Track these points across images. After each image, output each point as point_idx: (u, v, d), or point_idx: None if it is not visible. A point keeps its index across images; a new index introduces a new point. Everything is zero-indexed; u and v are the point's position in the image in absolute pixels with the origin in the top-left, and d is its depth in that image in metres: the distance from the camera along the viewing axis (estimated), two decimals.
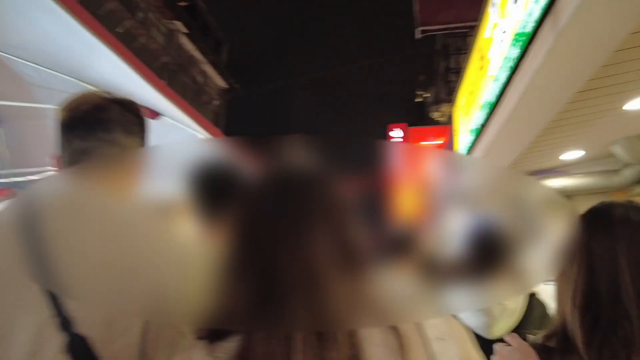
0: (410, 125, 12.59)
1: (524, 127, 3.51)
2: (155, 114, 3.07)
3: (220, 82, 16.60)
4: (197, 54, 14.88)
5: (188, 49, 14.47)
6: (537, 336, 0.89)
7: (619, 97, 3.35)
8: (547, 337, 0.83)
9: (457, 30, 9.39)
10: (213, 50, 15.97)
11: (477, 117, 4.49)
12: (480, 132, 4.34)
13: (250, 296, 0.42)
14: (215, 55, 16.17)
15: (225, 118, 16.20)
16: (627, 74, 3.00)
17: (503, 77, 3.45)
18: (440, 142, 11.96)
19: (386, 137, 12.78)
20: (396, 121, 12.49)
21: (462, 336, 0.65)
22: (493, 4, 3.72)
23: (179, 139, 3.03)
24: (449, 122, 7.13)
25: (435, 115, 6.73)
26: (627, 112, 3.59)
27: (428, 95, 15.83)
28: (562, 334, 0.80)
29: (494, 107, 3.77)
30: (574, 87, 2.93)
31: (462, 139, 5.48)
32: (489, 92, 3.91)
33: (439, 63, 13.37)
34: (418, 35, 9.07)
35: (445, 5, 8.59)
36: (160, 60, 11.92)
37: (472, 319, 1.23)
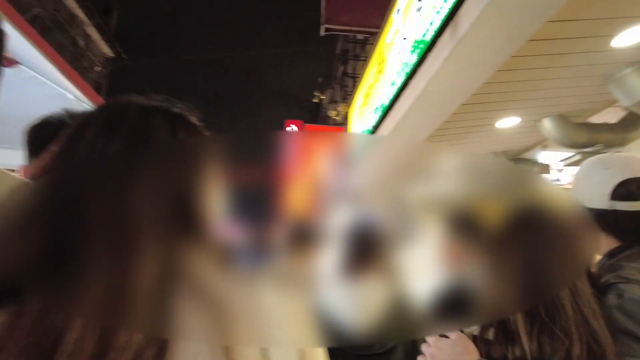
0: (306, 123, 12.86)
1: (413, 132, 3.70)
2: (11, 62, 2.53)
3: (105, 49, 15.03)
4: (80, 14, 13.26)
5: (70, 6, 12.80)
6: (472, 328, 0.89)
7: (493, 115, 3.73)
8: (484, 329, 0.84)
9: (359, 33, 9.73)
10: (101, 13, 14.40)
11: (370, 119, 4.64)
12: (372, 133, 4.49)
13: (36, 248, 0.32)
14: (103, 18, 14.60)
15: (107, 89, 14.67)
16: (502, 94, 3.34)
17: (399, 82, 3.60)
18: None
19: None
20: (293, 118, 12.61)
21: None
22: (397, 11, 3.87)
23: (40, 95, 2.54)
24: (344, 122, 7.33)
25: (332, 113, 6.88)
26: (498, 129, 4.01)
27: (324, 97, 16.34)
28: (500, 326, 0.80)
29: (387, 110, 3.91)
30: (461, 98, 3.16)
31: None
32: (385, 95, 4.05)
33: (337, 67, 13.83)
34: (322, 32, 9.21)
35: (352, 7, 8.86)
36: (32, 12, 10.31)
37: None
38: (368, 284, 0.39)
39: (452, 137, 4.14)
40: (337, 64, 13.64)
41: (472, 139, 4.27)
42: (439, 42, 2.77)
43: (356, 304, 0.39)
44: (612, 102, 3.53)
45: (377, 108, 4.35)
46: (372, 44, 5.36)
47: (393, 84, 3.80)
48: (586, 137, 3.73)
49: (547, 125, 3.79)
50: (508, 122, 3.85)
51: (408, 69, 3.37)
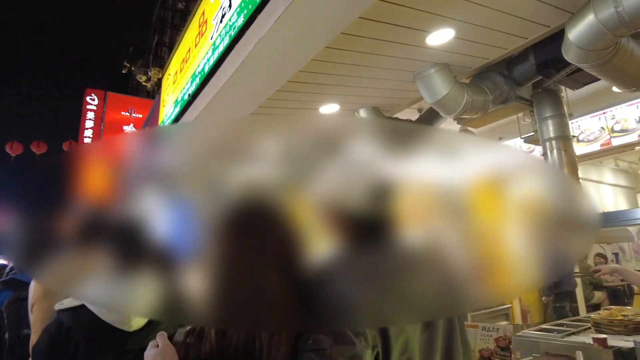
0: (113, 91, 11.20)
1: (235, 103, 3.34)
2: None
3: None
4: None
5: None
6: (180, 333, 1.04)
7: (316, 98, 3.67)
8: (188, 334, 0.97)
9: None
10: None
11: (187, 87, 4.09)
12: (188, 103, 3.95)
13: None
14: None
15: None
16: (325, 76, 3.28)
17: (222, 46, 3.19)
18: (139, 115, 11.05)
19: (82, 101, 11.00)
20: (98, 86, 10.85)
21: None
22: None
23: None
24: (155, 90, 6.48)
25: (142, 78, 5.96)
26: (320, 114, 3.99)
27: (135, 67, 14.59)
28: (198, 330, 0.94)
29: (207, 77, 3.46)
30: (287, 72, 2.94)
31: (167, 110, 4.98)
32: (205, 60, 3.58)
33: (152, 36, 12.44)
34: None
35: None
36: None
37: (106, 314, 1.18)
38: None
39: (280, 114, 3.95)
40: (152, 32, 12.25)
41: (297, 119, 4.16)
42: (269, 4, 2.48)
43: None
44: (419, 99, 3.87)
45: (195, 74, 3.83)
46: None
47: (215, 48, 3.36)
48: None
49: (363, 115, 3.94)
50: (329, 109, 3.87)
51: (233, 32, 2.99)
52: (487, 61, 3.31)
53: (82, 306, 1.17)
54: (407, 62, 3.18)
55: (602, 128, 5.14)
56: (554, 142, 3.35)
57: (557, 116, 3.38)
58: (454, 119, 4.41)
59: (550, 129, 3.39)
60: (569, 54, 2.64)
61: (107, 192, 0.40)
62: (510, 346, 1.23)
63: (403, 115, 4.27)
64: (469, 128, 5.17)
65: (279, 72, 2.88)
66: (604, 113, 5.16)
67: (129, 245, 0.38)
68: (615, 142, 5.03)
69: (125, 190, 0.40)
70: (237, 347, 0.88)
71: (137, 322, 1.20)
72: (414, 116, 4.56)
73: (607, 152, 5.14)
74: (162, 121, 5.20)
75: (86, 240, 0.38)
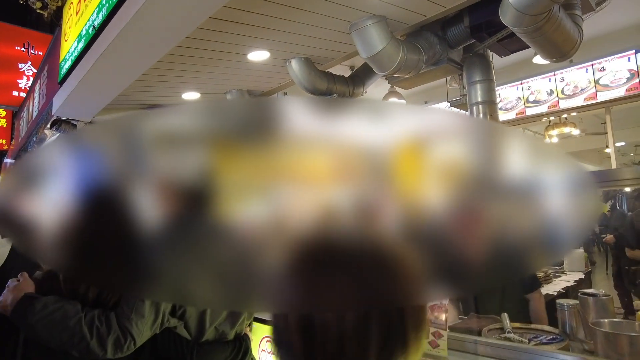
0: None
1: (152, 38, 2.92)
2: None
3: None
4: None
5: None
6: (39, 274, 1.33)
7: (245, 42, 3.35)
8: (45, 274, 1.30)
9: None
10: None
11: (93, 17, 3.51)
12: (94, 36, 3.40)
13: None
14: None
15: None
16: (255, 17, 2.97)
17: None
18: (39, 52, 9.67)
19: None
20: None
21: None
22: None
23: None
24: (55, 21, 5.60)
25: (37, 5, 5.03)
26: (250, 62, 3.68)
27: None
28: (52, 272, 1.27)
29: (117, 4, 2.96)
30: (211, 4, 2.58)
31: (69, 46, 4.29)
32: None
33: None
34: None
35: None
36: None
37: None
38: None
39: (200, 61, 3.56)
40: None
41: (223, 69, 3.81)
42: None
43: None
44: (353, 54, 3.70)
45: (102, 2, 3.28)
46: None
47: None
48: (325, 85, 3.85)
49: (295, 66, 3.70)
50: (259, 56, 3.56)
51: None
52: (424, 18, 3.22)
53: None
54: (344, 10, 2.97)
55: (519, 98, 5.40)
56: (480, 106, 3.41)
57: (486, 81, 3.43)
58: (386, 78, 4.33)
59: (478, 94, 3.44)
60: (506, 16, 2.62)
61: None
62: (444, 314, 1.18)
63: (335, 71, 4.10)
64: (397, 89, 5.16)
65: (200, 2, 2.51)
66: (521, 83, 5.41)
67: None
68: (529, 112, 5.32)
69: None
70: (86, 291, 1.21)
71: None
72: (346, 73, 4.41)
73: (522, 121, 5.43)
74: (64, 59, 4.50)
75: None
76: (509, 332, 1.46)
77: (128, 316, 1.15)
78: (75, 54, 3.96)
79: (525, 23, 2.60)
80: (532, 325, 1.57)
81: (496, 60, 3.77)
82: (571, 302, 1.47)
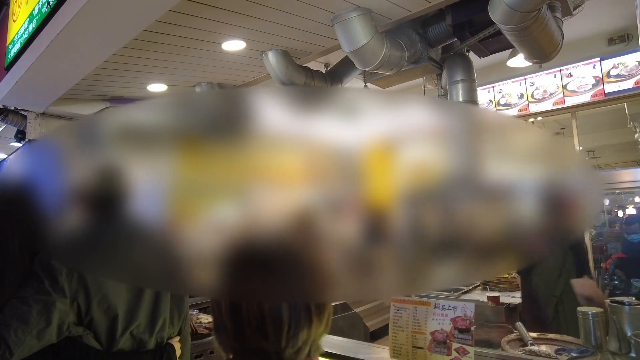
0: None
1: (117, 18, 2.63)
2: None
3: None
4: None
5: None
6: None
7: (219, 29, 3.12)
8: None
9: None
10: None
11: None
12: (48, 15, 3.05)
13: None
14: None
15: None
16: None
17: None
18: None
19: None
20: None
21: None
22: None
23: None
24: (0, 3, 5.08)
25: None
26: (225, 52, 3.45)
27: None
28: None
29: None
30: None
31: (19, 26, 3.87)
32: None
33: None
34: None
35: None
36: None
37: None
38: None
39: (169, 48, 3.29)
40: None
41: (195, 59, 3.54)
42: None
43: None
44: (332, 49, 3.55)
45: None
46: None
47: None
48: (303, 80, 3.68)
49: (272, 59, 3.50)
50: (234, 45, 3.34)
51: None
52: (409, 14, 3.12)
53: None
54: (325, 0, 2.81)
55: (491, 100, 5.46)
56: None
57: (467, 80, 3.38)
58: (364, 77, 4.22)
59: (460, 93, 3.38)
60: (496, 13, 2.55)
61: None
62: (472, 328, 1.04)
63: (311, 67, 3.94)
64: (372, 88, 5.07)
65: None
66: (492, 87, 5.47)
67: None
68: None
69: None
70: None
71: None
72: (321, 70, 4.26)
73: None
74: (11, 42, 4.06)
75: None
76: (530, 344, 1.36)
77: (7, 322, 1.02)
78: (26, 35, 3.57)
79: (515, 21, 2.55)
80: (551, 335, 1.47)
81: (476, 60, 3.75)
82: (594, 309, 1.39)
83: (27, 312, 1.05)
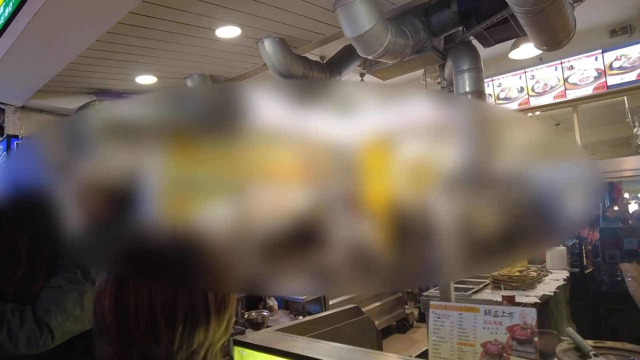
0: None
1: (90, 13, 2.41)
2: None
3: None
4: None
5: None
6: None
7: (213, 13, 2.91)
8: None
9: None
10: None
11: None
12: (18, 7, 2.81)
13: None
14: None
15: None
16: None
17: None
18: None
19: None
20: None
21: None
22: None
23: None
24: None
25: None
26: (219, 39, 3.23)
27: None
28: None
29: None
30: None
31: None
32: None
33: None
34: None
35: None
36: None
37: None
38: None
39: (159, 35, 3.06)
40: None
41: (187, 47, 3.32)
42: None
43: None
44: (330, 38, 3.37)
45: None
46: None
47: None
48: (302, 71, 3.48)
49: (268, 47, 3.30)
50: (228, 32, 3.12)
51: None
52: None
53: None
54: None
55: (490, 94, 5.33)
56: (469, 96, 3.20)
57: (474, 69, 3.22)
58: (363, 67, 4.05)
59: (466, 83, 3.22)
60: None
61: None
62: (535, 339, 0.87)
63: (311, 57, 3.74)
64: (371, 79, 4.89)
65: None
66: (492, 80, 5.34)
67: None
68: None
69: None
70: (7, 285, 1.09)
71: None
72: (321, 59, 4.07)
73: None
74: None
75: None
76: (593, 354, 1.19)
77: (47, 308, 1.07)
78: (2, 20, 3.31)
79: (531, 2, 2.39)
80: (609, 343, 1.31)
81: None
82: None
83: (64, 300, 1.09)
